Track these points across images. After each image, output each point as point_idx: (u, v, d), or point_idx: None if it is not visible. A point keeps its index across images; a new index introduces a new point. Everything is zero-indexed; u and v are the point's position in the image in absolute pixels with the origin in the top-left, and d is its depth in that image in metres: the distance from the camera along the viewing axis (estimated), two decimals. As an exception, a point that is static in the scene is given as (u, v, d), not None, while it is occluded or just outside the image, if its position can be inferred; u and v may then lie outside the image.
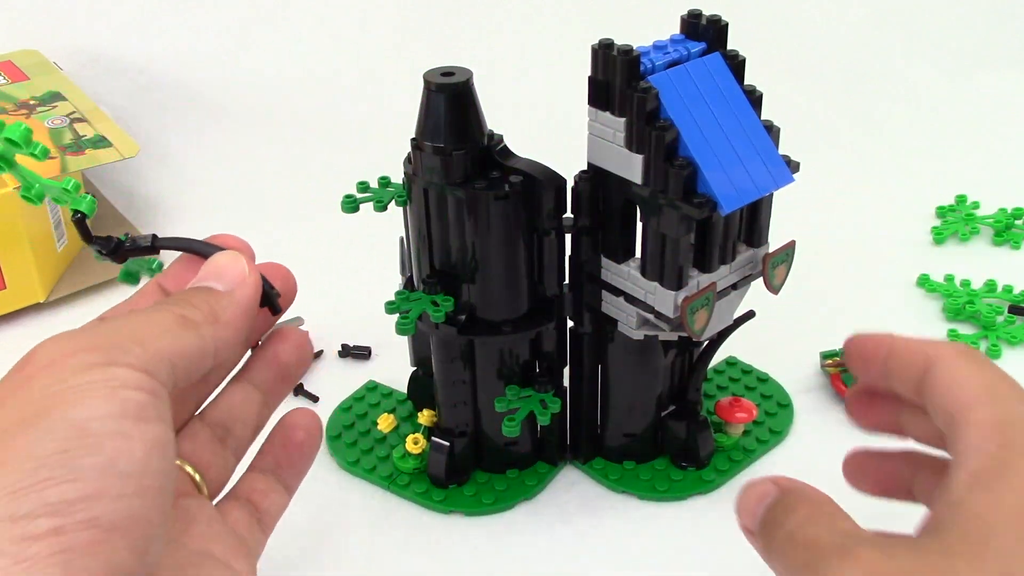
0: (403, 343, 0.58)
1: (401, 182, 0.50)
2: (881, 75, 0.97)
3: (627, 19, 0.94)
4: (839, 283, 0.72)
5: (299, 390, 0.63)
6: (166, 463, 0.30)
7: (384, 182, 0.51)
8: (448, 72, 0.46)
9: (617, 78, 0.43)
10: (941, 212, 0.80)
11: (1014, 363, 0.65)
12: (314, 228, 0.80)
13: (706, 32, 0.46)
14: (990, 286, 0.70)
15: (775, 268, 0.49)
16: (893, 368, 0.38)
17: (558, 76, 0.94)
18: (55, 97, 0.78)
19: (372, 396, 0.62)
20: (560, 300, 0.51)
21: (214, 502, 0.39)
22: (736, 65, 0.46)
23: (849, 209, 0.82)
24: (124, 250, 0.39)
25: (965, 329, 0.68)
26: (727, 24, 0.46)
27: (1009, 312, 0.68)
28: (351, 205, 0.51)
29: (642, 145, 0.44)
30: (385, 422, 0.58)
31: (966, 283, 0.71)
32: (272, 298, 0.39)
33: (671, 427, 0.55)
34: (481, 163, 0.47)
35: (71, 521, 0.27)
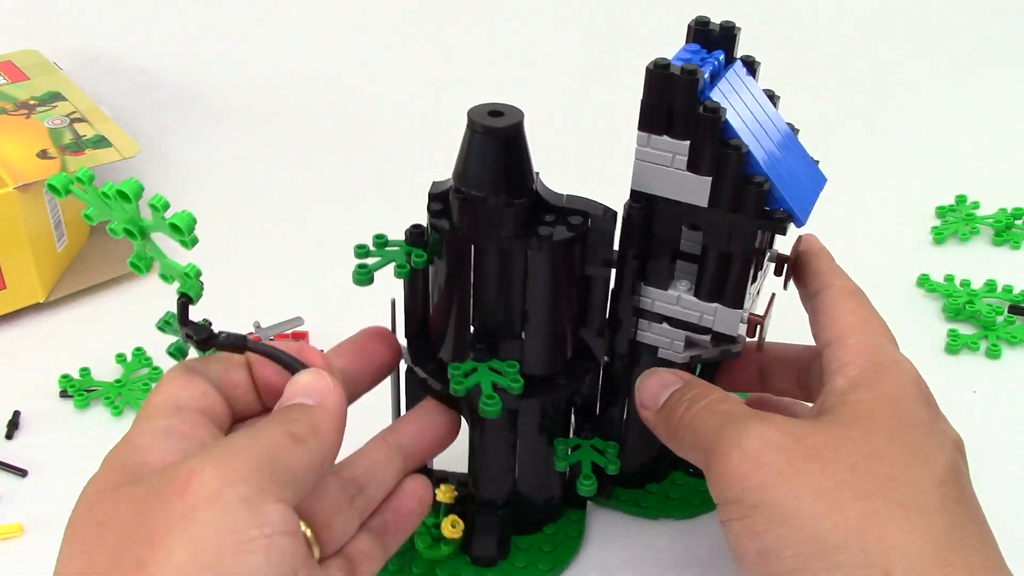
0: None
1: (424, 237, 0.45)
2: (881, 75, 0.97)
3: (620, 28, 0.94)
4: (839, 283, 0.72)
5: (299, 390, 0.63)
6: None
7: (381, 241, 0.46)
8: (496, 112, 0.41)
9: (677, 100, 0.41)
10: (941, 212, 0.80)
11: (1014, 363, 0.65)
12: (314, 228, 0.80)
13: (720, 40, 0.45)
14: (990, 286, 0.70)
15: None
16: (801, 280, 0.48)
17: (545, 95, 0.94)
18: (55, 97, 0.78)
19: None
20: (603, 339, 0.48)
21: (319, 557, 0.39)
22: (753, 70, 0.46)
23: (849, 209, 0.82)
24: (214, 343, 0.39)
25: (965, 329, 0.68)
26: (740, 30, 0.45)
27: (1009, 312, 0.68)
28: (366, 277, 0.44)
29: (710, 166, 0.42)
30: None
31: (966, 283, 0.71)
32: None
33: None
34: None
35: None
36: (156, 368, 0.65)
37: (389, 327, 0.48)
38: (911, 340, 0.67)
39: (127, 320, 0.71)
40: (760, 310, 0.48)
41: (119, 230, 0.38)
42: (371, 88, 0.94)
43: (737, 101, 0.43)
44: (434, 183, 0.45)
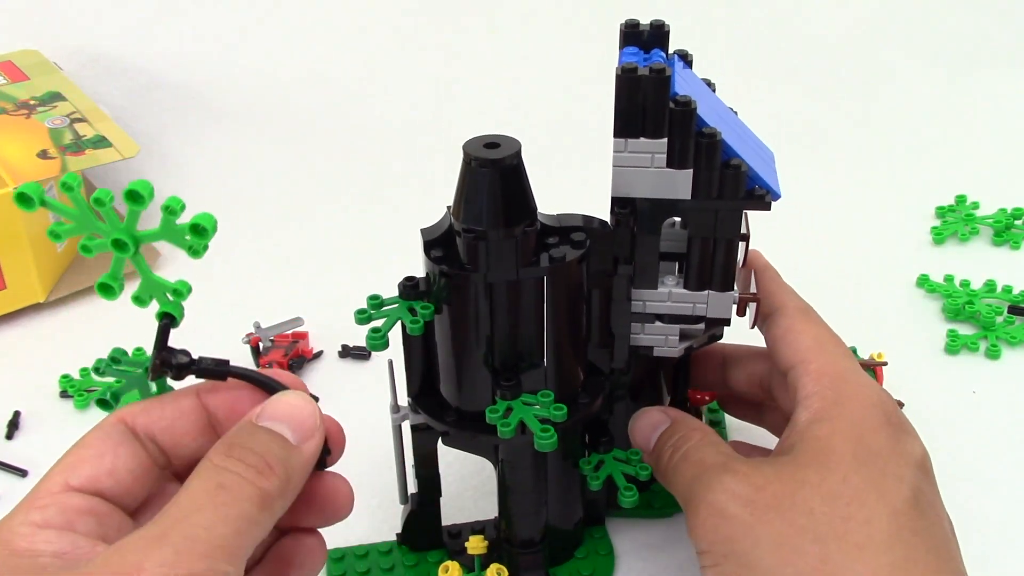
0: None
1: (421, 288, 0.44)
2: (881, 75, 0.96)
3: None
4: (839, 283, 0.72)
5: (299, 390, 0.63)
6: None
7: (377, 302, 0.44)
8: (492, 143, 0.40)
9: (649, 100, 0.42)
10: (941, 212, 0.80)
11: (1014, 363, 0.65)
12: (314, 228, 0.80)
13: (652, 39, 0.47)
14: (990, 286, 0.70)
15: None
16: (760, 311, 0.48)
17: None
18: (55, 97, 0.78)
19: (360, 564, 0.51)
20: (605, 351, 0.48)
21: None
22: (689, 63, 0.48)
23: (849, 209, 0.82)
24: (191, 371, 0.36)
25: (965, 329, 0.68)
26: (669, 28, 0.47)
27: (1009, 312, 0.68)
28: (381, 341, 0.42)
29: (689, 159, 0.43)
30: (456, 572, 0.47)
31: (966, 283, 0.71)
32: (323, 457, 0.36)
33: None
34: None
35: None
36: (156, 368, 0.65)
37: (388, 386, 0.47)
38: (911, 340, 0.67)
39: (127, 320, 0.71)
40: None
41: (105, 244, 0.34)
42: (371, 88, 0.94)
43: (693, 92, 0.44)
44: (423, 230, 0.43)
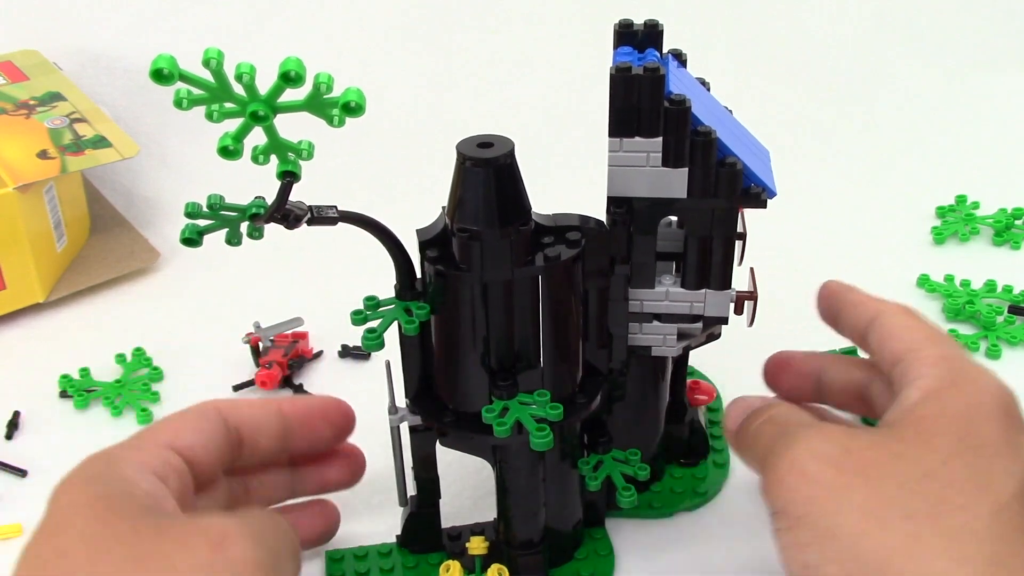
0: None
1: (417, 288, 0.44)
2: (881, 75, 0.96)
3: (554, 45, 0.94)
4: (839, 283, 0.72)
5: (298, 391, 0.63)
6: None
7: (373, 303, 0.45)
8: (485, 143, 0.41)
9: (644, 100, 0.42)
10: (941, 212, 0.80)
11: (1014, 363, 0.65)
12: (314, 228, 0.80)
13: (647, 39, 0.47)
14: (990, 286, 0.70)
15: None
16: (844, 319, 0.46)
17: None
18: (55, 97, 0.78)
19: (360, 566, 0.51)
20: (603, 351, 0.48)
21: None
22: (683, 62, 0.48)
23: (849, 209, 0.82)
24: (307, 221, 0.40)
25: (965, 329, 0.68)
26: (663, 28, 0.47)
27: (1009, 312, 0.68)
28: (377, 340, 0.43)
29: (684, 158, 0.43)
30: (456, 572, 0.48)
31: (966, 283, 0.71)
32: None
33: (673, 432, 0.54)
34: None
35: None
36: (156, 368, 0.65)
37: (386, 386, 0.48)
38: (911, 340, 0.67)
39: (127, 320, 0.71)
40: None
41: (238, 112, 0.37)
42: (371, 88, 0.93)
43: (688, 91, 0.44)
44: (419, 230, 0.44)
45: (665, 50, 0.48)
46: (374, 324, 0.43)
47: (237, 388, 0.63)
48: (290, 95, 0.37)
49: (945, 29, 0.99)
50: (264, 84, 0.37)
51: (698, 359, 0.62)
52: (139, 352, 0.66)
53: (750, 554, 0.51)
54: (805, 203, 0.79)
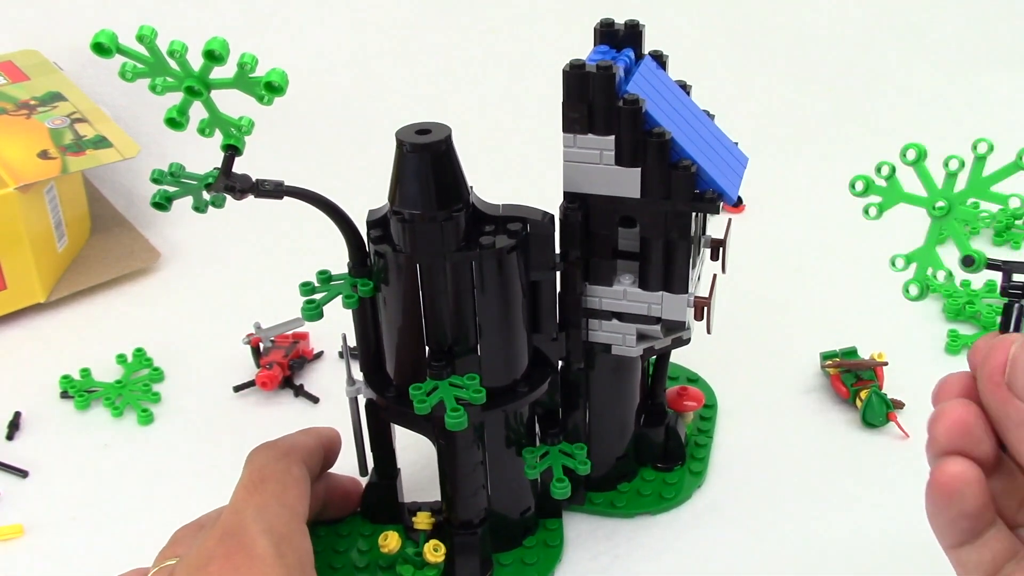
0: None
1: (368, 266, 0.46)
2: (880, 75, 0.97)
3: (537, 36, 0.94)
4: (839, 283, 0.72)
5: (299, 391, 0.63)
6: None
7: (325, 277, 0.47)
8: (423, 130, 0.42)
9: (596, 97, 0.42)
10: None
11: (1014, 363, 0.65)
12: (314, 228, 0.79)
13: (626, 39, 0.47)
14: (990, 286, 0.70)
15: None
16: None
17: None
18: (55, 97, 0.78)
19: (320, 530, 0.52)
20: (557, 343, 0.48)
21: None
22: (663, 63, 0.48)
23: (849, 209, 0.81)
24: (256, 191, 0.42)
25: (965, 329, 0.68)
26: (643, 28, 0.47)
27: (1002, 294, 0.68)
28: (315, 311, 0.45)
29: (638, 157, 0.43)
30: (393, 541, 0.49)
31: (966, 283, 0.71)
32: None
33: (648, 435, 0.54)
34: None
35: None
36: (156, 369, 0.65)
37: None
38: (912, 340, 0.67)
39: (127, 320, 0.71)
40: (703, 293, 0.49)
41: (176, 87, 0.38)
42: (371, 87, 0.94)
43: (653, 93, 0.44)
44: (370, 211, 0.45)
45: (647, 51, 0.48)
46: (317, 296, 0.46)
47: (238, 389, 0.63)
48: (220, 72, 0.38)
49: (945, 29, 0.99)
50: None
51: (696, 359, 0.62)
52: (140, 352, 0.66)
53: (699, 568, 0.51)
54: (805, 203, 0.79)
